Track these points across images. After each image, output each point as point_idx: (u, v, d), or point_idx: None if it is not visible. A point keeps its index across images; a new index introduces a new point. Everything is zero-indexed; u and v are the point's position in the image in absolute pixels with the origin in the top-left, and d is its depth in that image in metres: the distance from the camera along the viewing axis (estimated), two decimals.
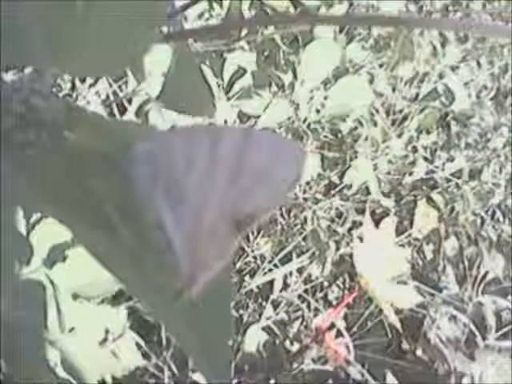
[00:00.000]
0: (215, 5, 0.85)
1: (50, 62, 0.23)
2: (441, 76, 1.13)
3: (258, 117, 0.90)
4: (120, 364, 0.75)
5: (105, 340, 0.74)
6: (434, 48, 1.13)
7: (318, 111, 0.93)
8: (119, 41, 0.23)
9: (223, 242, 0.23)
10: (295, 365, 0.97)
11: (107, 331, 0.74)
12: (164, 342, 0.86)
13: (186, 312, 0.23)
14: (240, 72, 0.86)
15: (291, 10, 0.89)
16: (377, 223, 0.98)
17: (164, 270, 0.23)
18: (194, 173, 0.23)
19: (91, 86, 0.82)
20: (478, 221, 1.27)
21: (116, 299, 0.81)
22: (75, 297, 0.66)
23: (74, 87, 0.82)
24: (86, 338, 0.69)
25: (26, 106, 0.22)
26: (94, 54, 0.23)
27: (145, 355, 0.84)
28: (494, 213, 1.30)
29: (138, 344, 0.80)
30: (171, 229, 0.23)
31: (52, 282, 0.62)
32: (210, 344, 0.24)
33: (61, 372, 0.64)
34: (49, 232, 0.63)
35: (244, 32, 0.85)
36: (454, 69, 1.16)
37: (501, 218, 1.30)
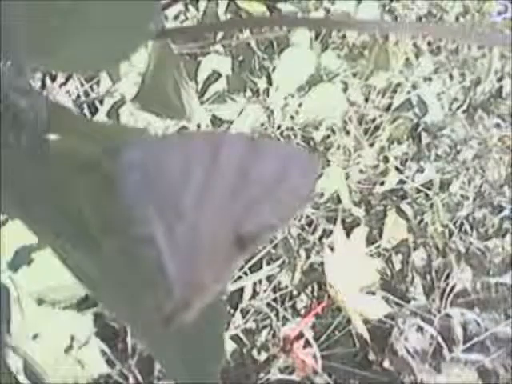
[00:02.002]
0: (191, 7, 0.84)
1: (31, 56, 0.21)
2: (414, 87, 1.13)
3: (232, 122, 0.88)
4: (84, 372, 0.73)
5: (70, 347, 0.72)
6: (407, 59, 1.14)
7: (292, 118, 0.92)
8: (109, 35, 0.21)
9: (223, 263, 0.21)
10: (262, 374, 0.96)
11: (72, 338, 0.72)
12: (129, 349, 0.84)
13: (175, 339, 0.21)
14: (214, 76, 0.85)
15: (267, 14, 0.88)
16: (347, 232, 0.98)
17: (153, 291, 0.20)
18: (191, 184, 0.20)
19: (62, 85, 0.80)
20: (447, 232, 1.28)
21: (82, 305, 0.79)
22: (40, 301, 0.64)
23: (44, 86, 0.80)
24: (51, 344, 0.67)
25: (5, 103, 0.21)
26: (80, 49, 0.21)
27: (109, 362, 0.82)
28: (462, 225, 1.31)
29: (102, 351, 0.78)
30: (163, 245, 0.20)
31: (16, 286, 0.60)
32: (199, 375, 0.22)
33: (23, 380, 0.61)
34: (14, 234, 0.60)
35: (219, 36, 0.84)
36: (426, 80, 1.17)
37: (469, 231, 1.31)
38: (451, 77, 1.21)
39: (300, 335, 0.97)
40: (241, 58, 0.90)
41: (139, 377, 0.83)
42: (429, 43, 1.16)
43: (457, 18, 1.17)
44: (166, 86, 0.32)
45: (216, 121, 0.89)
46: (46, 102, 0.21)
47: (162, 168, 0.20)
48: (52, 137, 0.22)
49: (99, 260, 0.20)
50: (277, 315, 1.01)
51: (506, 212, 1.33)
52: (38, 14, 0.21)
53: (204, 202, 0.20)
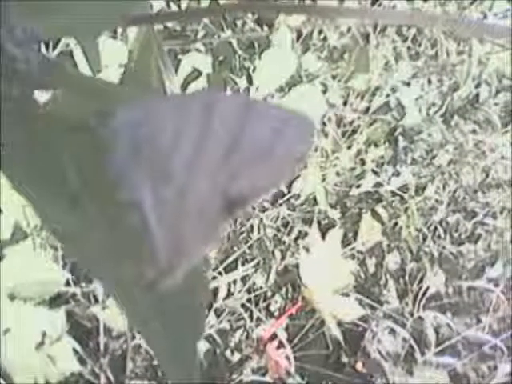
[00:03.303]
0: (172, 4, 0.83)
1: (23, 17, 0.20)
2: (393, 90, 1.14)
3: None
4: (55, 369, 0.72)
5: (41, 343, 0.71)
6: (386, 63, 1.14)
7: None
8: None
9: (210, 225, 0.20)
10: (235, 375, 0.95)
11: (44, 334, 0.71)
12: (101, 347, 0.83)
13: (157, 307, 0.21)
14: (195, 74, 0.85)
15: (249, 14, 0.87)
16: (322, 234, 0.98)
17: (137, 255, 0.20)
18: (183, 146, 0.20)
19: None
20: (421, 236, 1.29)
21: (54, 302, 0.78)
22: (12, 297, 0.63)
23: None
24: (22, 340, 0.66)
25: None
26: (72, 13, 0.20)
27: (81, 360, 0.81)
28: (435, 229, 1.32)
29: (74, 349, 0.77)
30: (149, 210, 0.19)
31: None
32: (180, 344, 0.22)
33: None
34: None
35: (200, 34, 0.84)
36: (405, 84, 1.17)
37: (442, 235, 1.32)
38: (429, 82, 1.22)
39: (273, 336, 0.97)
40: (222, 57, 0.89)
41: (111, 376, 0.82)
42: (408, 48, 1.17)
43: None
44: (150, 75, 0.32)
45: None
46: (39, 55, 0.21)
47: (153, 130, 0.20)
48: (43, 97, 0.21)
49: (81, 222, 0.20)
50: (251, 316, 1.01)
51: (479, 217, 1.35)
52: None
53: (194, 164, 0.20)
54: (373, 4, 1.06)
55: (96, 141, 0.20)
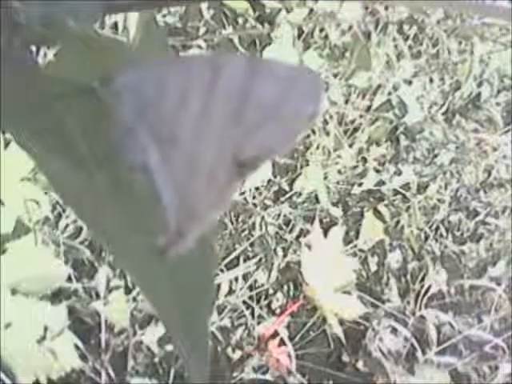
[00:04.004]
0: None
1: None
2: (395, 88, 1.14)
3: None
4: (56, 364, 0.72)
5: (43, 338, 0.71)
6: (387, 62, 1.14)
7: None
8: None
9: (220, 188, 0.20)
10: (235, 373, 0.95)
11: (46, 329, 0.71)
12: (103, 344, 0.83)
13: (167, 275, 0.20)
14: None
15: (250, 11, 0.88)
16: (324, 232, 0.98)
17: (146, 220, 0.19)
18: (190, 109, 0.19)
19: None
20: (423, 235, 1.29)
21: (56, 297, 0.78)
22: (14, 292, 0.63)
23: None
24: (24, 334, 0.66)
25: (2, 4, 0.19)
26: None
27: (82, 357, 0.81)
28: (437, 228, 1.32)
29: (75, 345, 0.77)
30: (158, 172, 0.19)
31: None
32: (190, 316, 0.21)
33: None
34: None
35: (202, 31, 0.84)
36: (407, 83, 1.17)
37: (444, 234, 1.32)
38: (431, 80, 1.22)
39: (275, 334, 0.97)
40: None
41: (112, 373, 0.82)
42: (410, 46, 1.17)
43: (438, 22, 1.18)
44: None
45: None
46: (40, 9, 0.20)
47: (158, 93, 0.19)
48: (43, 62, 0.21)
49: (87, 186, 0.19)
50: (252, 313, 1.01)
51: (481, 216, 1.35)
52: None
53: (202, 126, 0.19)
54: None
55: (99, 103, 0.20)
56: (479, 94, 1.31)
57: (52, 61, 0.21)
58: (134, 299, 0.81)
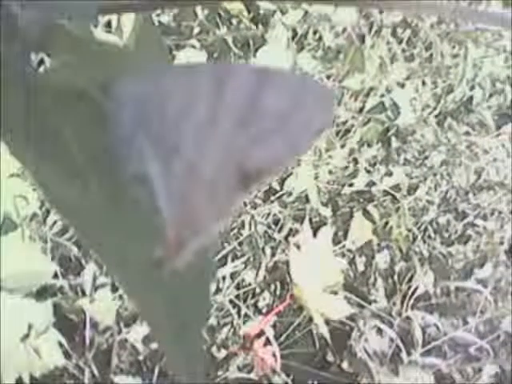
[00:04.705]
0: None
1: None
2: (388, 91, 1.14)
3: None
4: (40, 362, 0.72)
5: (27, 336, 0.71)
6: (381, 65, 1.14)
7: None
8: None
9: (224, 201, 0.19)
10: (220, 372, 0.96)
11: (30, 327, 0.71)
12: (87, 341, 0.83)
13: (163, 289, 0.20)
14: None
15: (245, 12, 0.87)
16: (314, 232, 0.98)
17: (143, 232, 0.19)
18: (193, 119, 0.18)
19: None
20: (411, 236, 1.29)
21: (41, 294, 0.78)
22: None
23: None
24: (8, 331, 0.66)
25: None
26: None
27: (66, 354, 0.81)
28: (426, 229, 1.32)
29: (59, 342, 0.77)
30: (158, 183, 0.18)
31: None
32: (185, 330, 0.21)
33: None
34: None
35: (196, 30, 0.83)
36: (400, 85, 1.17)
37: (432, 235, 1.33)
38: (424, 83, 1.22)
39: (261, 333, 0.98)
40: (216, 54, 0.89)
41: (95, 370, 0.82)
42: (403, 49, 1.17)
43: (432, 26, 1.18)
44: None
45: None
46: (40, 15, 0.20)
47: (160, 102, 0.19)
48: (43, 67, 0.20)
49: (83, 197, 0.19)
50: (238, 312, 1.01)
51: (469, 219, 1.35)
52: None
53: (206, 136, 0.19)
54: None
55: (98, 111, 0.19)
56: (471, 98, 1.31)
57: (49, 67, 0.21)
58: (121, 297, 0.82)
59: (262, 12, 0.88)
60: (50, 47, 0.21)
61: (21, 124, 0.19)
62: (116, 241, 0.19)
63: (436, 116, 1.30)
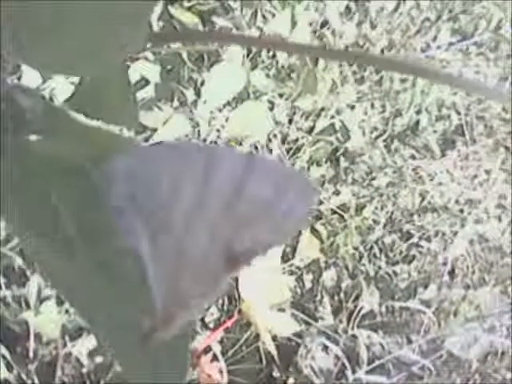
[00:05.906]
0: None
1: (16, 54, 0.19)
2: (338, 112, 1.16)
3: (156, 130, 0.88)
4: None
5: None
6: (332, 86, 1.16)
7: (218, 131, 0.92)
8: (98, 39, 0.19)
9: (211, 279, 0.20)
10: None
11: None
12: (30, 354, 0.81)
13: (148, 354, 0.20)
14: (142, 82, 0.84)
15: (200, 26, 0.88)
16: None
17: (132, 304, 0.20)
18: (182, 199, 0.19)
19: None
20: (357, 255, 1.31)
21: None
22: None
23: None
24: None
25: (9, 102, 0.19)
26: (70, 50, 0.19)
27: (8, 367, 0.79)
28: (371, 248, 1.34)
29: (2, 355, 0.75)
30: (147, 258, 0.19)
31: None
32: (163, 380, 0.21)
33: None
34: None
35: (150, 43, 0.83)
36: (350, 107, 1.20)
37: (378, 254, 1.35)
38: (373, 106, 1.25)
39: (208, 349, 0.97)
40: (170, 67, 0.89)
41: (38, 383, 0.80)
42: (354, 72, 1.19)
43: (382, 51, 1.21)
44: (110, 90, 0.30)
45: (140, 128, 0.88)
46: (43, 103, 0.20)
47: (150, 179, 0.19)
48: (35, 137, 0.20)
49: (74, 267, 0.19)
50: None
51: (414, 239, 1.38)
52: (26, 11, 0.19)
53: (195, 216, 0.19)
54: (321, 27, 1.08)
55: (91, 185, 0.20)
56: (418, 122, 1.35)
57: (42, 138, 0.21)
58: (67, 311, 0.80)
59: (217, 27, 0.89)
60: (49, 130, 0.21)
61: (12, 192, 0.20)
62: (103, 307, 0.20)
63: (384, 140, 1.33)
